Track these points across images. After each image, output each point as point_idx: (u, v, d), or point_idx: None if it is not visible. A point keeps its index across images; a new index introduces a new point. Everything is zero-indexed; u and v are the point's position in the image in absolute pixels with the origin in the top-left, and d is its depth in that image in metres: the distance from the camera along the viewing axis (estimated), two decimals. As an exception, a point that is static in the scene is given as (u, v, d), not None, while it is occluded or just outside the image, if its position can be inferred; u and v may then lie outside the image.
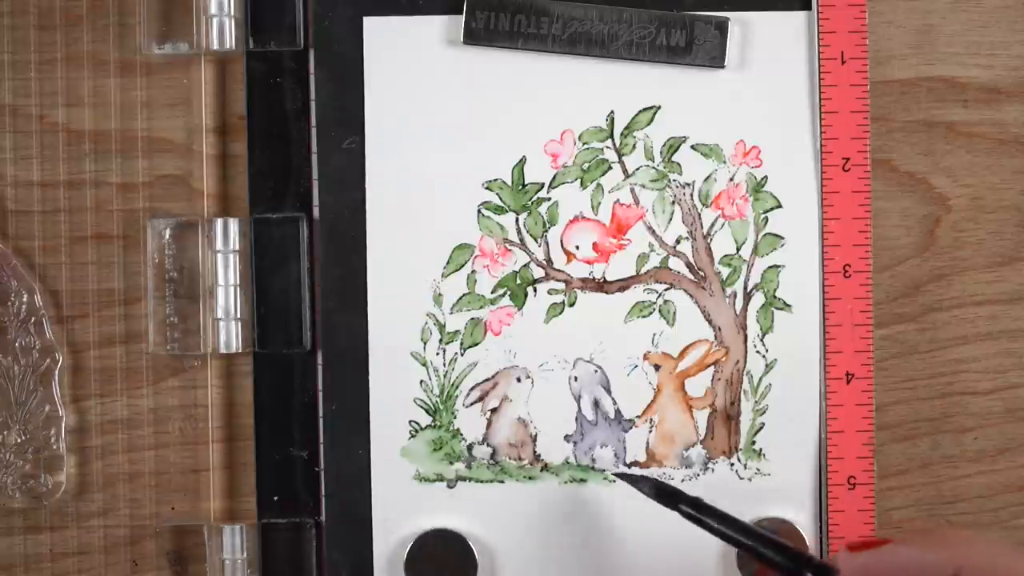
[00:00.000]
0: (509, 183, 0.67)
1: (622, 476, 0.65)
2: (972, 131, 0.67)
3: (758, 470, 0.67)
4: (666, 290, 0.67)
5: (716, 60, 0.66)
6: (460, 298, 0.67)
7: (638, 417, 0.67)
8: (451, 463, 0.67)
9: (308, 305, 0.68)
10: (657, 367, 0.67)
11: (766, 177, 0.67)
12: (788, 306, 0.67)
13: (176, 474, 0.68)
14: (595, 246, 0.67)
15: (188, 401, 0.68)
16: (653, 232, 0.67)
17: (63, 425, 0.68)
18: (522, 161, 0.67)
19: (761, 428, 0.67)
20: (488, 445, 0.67)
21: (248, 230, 0.68)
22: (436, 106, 0.67)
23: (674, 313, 0.67)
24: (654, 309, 0.67)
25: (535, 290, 0.67)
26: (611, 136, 0.67)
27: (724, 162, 0.67)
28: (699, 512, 0.59)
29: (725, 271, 0.67)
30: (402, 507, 0.67)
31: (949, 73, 0.67)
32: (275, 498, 0.68)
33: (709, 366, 0.67)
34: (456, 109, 0.67)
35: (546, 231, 0.67)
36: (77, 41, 0.68)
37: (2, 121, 0.68)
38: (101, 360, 0.68)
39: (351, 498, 0.67)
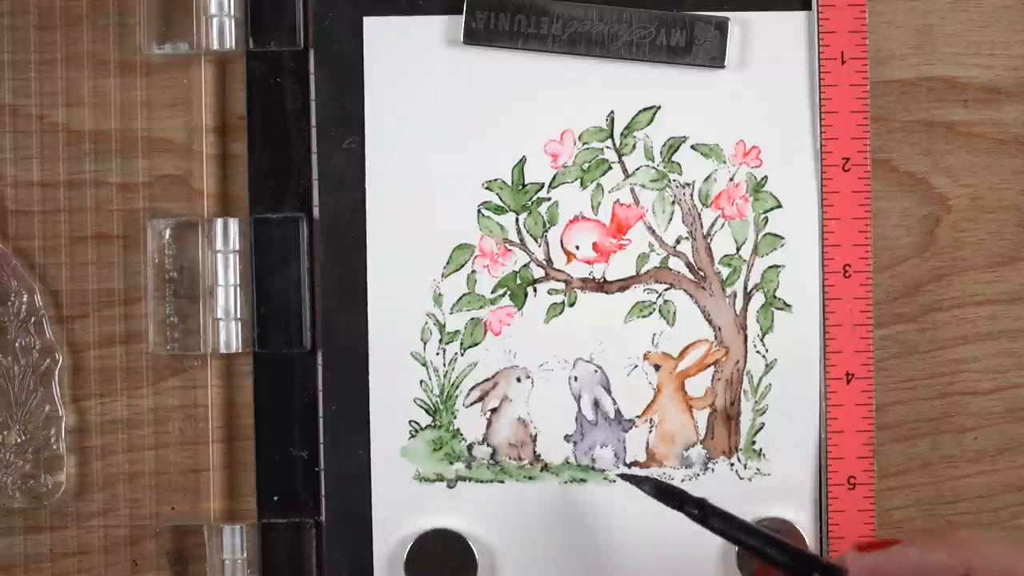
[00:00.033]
0: (509, 183, 0.67)
1: (624, 477, 0.65)
2: (972, 131, 0.67)
3: (758, 470, 0.67)
4: (666, 290, 0.67)
5: (716, 60, 0.66)
6: (460, 298, 0.67)
7: (638, 417, 0.67)
8: (451, 463, 0.67)
9: (308, 305, 0.68)
10: (657, 367, 0.67)
11: (766, 177, 0.67)
12: (788, 306, 0.67)
13: (176, 474, 0.68)
14: (595, 246, 0.67)
15: (188, 401, 0.68)
16: (653, 232, 0.67)
17: (63, 425, 0.68)
18: (522, 161, 0.67)
19: (761, 428, 0.67)
20: (488, 445, 0.67)
21: (248, 230, 0.68)
22: (436, 106, 0.67)
23: (674, 313, 0.67)
24: (654, 309, 0.67)
25: (535, 290, 0.67)
26: (611, 136, 0.67)
27: (724, 162, 0.67)
28: (704, 513, 0.59)
29: (725, 271, 0.67)
30: (402, 507, 0.67)
31: (949, 73, 0.67)
32: (275, 498, 0.68)
33: (709, 366, 0.67)
34: (456, 109, 0.67)
35: (546, 231, 0.67)
36: (77, 41, 0.68)
37: (2, 121, 0.68)
38: (101, 360, 0.68)
39: (351, 498, 0.67)
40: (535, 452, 0.67)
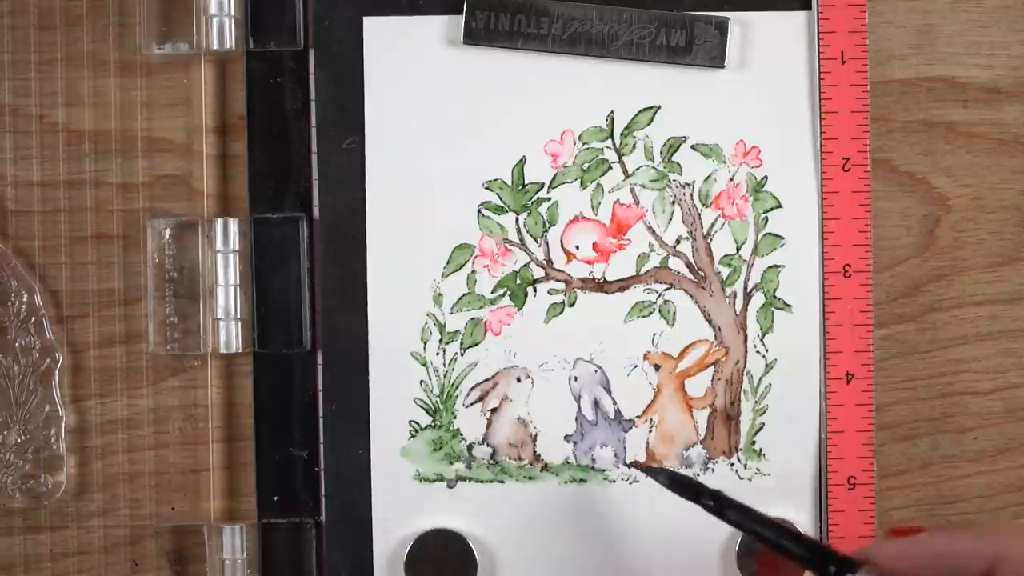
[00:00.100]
0: (509, 183, 0.67)
1: (639, 467, 0.65)
2: (972, 131, 0.67)
3: (758, 470, 0.67)
4: (666, 290, 0.67)
5: (716, 60, 0.66)
6: (460, 298, 0.67)
7: (638, 417, 0.67)
8: (451, 463, 0.67)
9: (308, 305, 0.68)
10: (657, 367, 0.67)
11: (766, 177, 0.67)
12: (788, 306, 0.67)
13: (176, 474, 0.68)
14: (595, 246, 0.67)
15: (188, 401, 0.68)
16: (653, 232, 0.67)
17: (63, 425, 0.68)
18: (522, 161, 0.67)
19: (761, 428, 0.67)
20: (488, 445, 0.67)
21: (248, 230, 0.68)
22: (436, 106, 0.67)
23: (674, 313, 0.67)
24: (654, 309, 0.67)
25: (535, 290, 0.67)
26: (611, 136, 0.67)
27: (724, 162, 0.67)
28: (720, 505, 0.58)
29: (725, 271, 0.67)
30: (402, 507, 0.67)
31: (949, 73, 0.67)
32: (275, 498, 0.68)
33: (709, 366, 0.67)
34: (456, 109, 0.67)
35: (546, 231, 0.67)
36: (77, 41, 0.68)
37: (2, 121, 0.68)
38: (101, 360, 0.68)
39: (351, 498, 0.67)
40: (535, 452, 0.67)
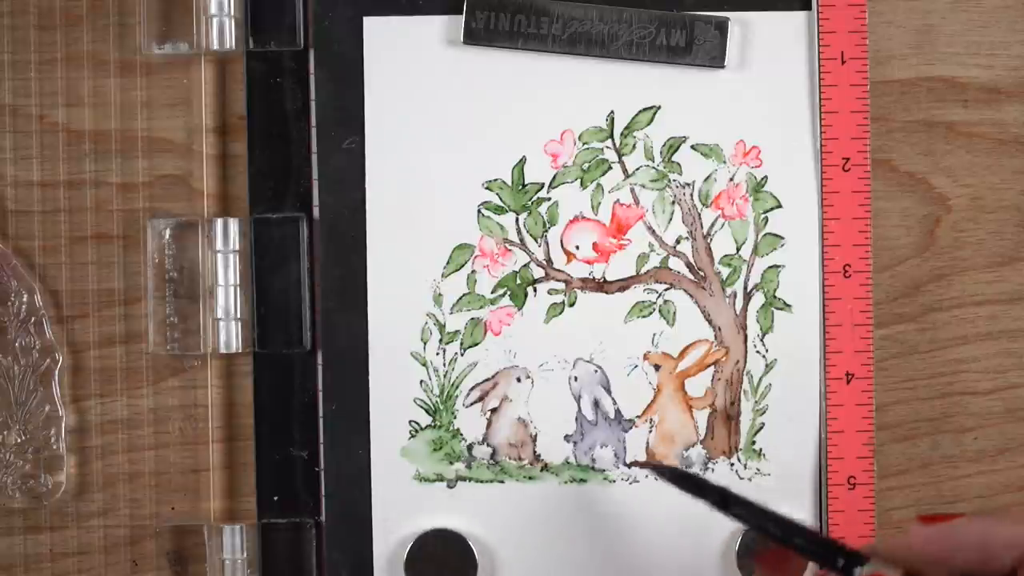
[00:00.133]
0: (509, 183, 0.67)
1: (644, 465, 0.65)
2: (972, 131, 0.67)
3: (758, 470, 0.67)
4: (666, 290, 0.67)
5: (716, 60, 0.66)
6: (460, 298, 0.67)
7: (638, 417, 0.67)
8: (451, 463, 0.67)
9: (308, 305, 0.68)
10: (657, 367, 0.67)
11: (766, 177, 0.67)
12: (788, 306, 0.67)
13: (176, 474, 0.68)
14: (595, 246, 0.67)
15: (188, 401, 0.68)
16: (653, 232, 0.67)
17: (63, 425, 0.68)
18: (522, 161, 0.67)
19: (761, 428, 0.67)
20: (488, 445, 0.67)
21: (248, 230, 0.68)
22: (436, 106, 0.67)
23: (674, 313, 0.67)
24: (654, 309, 0.67)
25: (535, 290, 0.67)
26: (611, 136, 0.67)
27: (724, 162, 0.67)
28: (725, 501, 0.58)
29: (725, 271, 0.67)
30: (402, 507, 0.67)
31: (949, 73, 0.67)
32: (275, 498, 0.68)
33: (709, 366, 0.67)
34: (456, 109, 0.67)
35: (546, 231, 0.67)
36: (77, 41, 0.68)
37: (2, 121, 0.68)
38: (101, 360, 0.68)
39: (351, 498, 0.67)
40: (535, 452, 0.67)
